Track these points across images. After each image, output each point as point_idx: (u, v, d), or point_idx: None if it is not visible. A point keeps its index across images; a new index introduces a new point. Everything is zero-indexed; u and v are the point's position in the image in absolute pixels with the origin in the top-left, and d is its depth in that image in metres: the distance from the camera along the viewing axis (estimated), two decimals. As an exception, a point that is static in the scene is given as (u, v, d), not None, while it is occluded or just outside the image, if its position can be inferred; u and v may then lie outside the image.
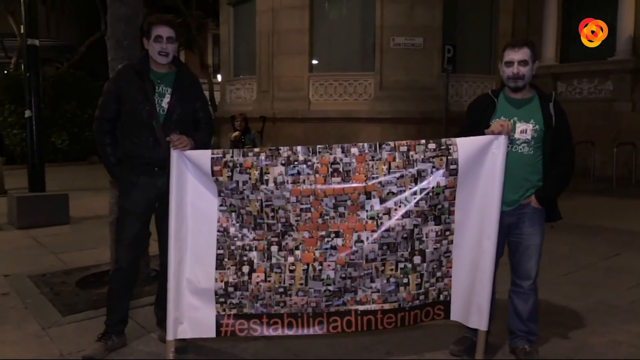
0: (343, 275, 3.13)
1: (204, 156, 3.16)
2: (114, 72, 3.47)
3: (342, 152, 3.10)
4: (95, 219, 7.73)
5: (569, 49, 13.48)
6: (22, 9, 7.71)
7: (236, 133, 8.84)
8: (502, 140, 3.02)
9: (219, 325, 3.17)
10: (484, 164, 3.09)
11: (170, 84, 3.38)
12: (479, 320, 3.17)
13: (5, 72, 17.85)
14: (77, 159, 16.23)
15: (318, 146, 3.13)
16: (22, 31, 8.13)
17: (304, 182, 3.08)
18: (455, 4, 13.59)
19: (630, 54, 12.00)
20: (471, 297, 3.18)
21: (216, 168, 3.11)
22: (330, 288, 3.13)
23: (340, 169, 3.09)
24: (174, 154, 3.15)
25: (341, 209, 3.11)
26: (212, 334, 3.18)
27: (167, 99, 3.35)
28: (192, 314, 3.18)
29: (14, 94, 14.51)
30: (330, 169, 3.09)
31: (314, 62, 13.77)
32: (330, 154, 3.10)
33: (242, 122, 8.91)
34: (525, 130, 3.12)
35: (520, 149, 3.14)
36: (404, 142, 3.11)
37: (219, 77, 20.93)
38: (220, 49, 17.01)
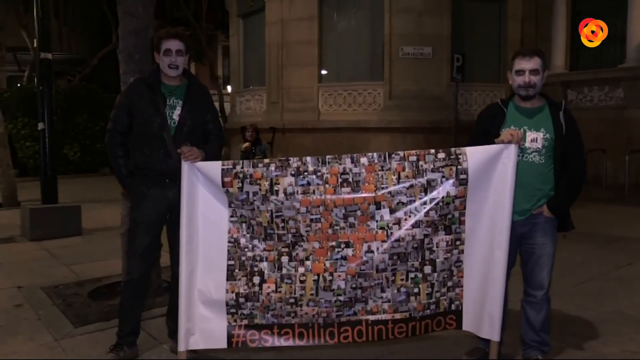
0: (354, 286, 3.13)
1: (214, 167, 3.18)
2: (126, 86, 3.51)
3: (352, 162, 3.11)
4: (106, 230, 7.79)
5: (578, 57, 13.45)
6: (35, 23, 7.83)
7: (247, 144, 8.88)
8: (512, 149, 3.02)
9: (230, 336, 3.18)
10: (494, 173, 3.08)
11: (181, 97, 3.41)
12: (490, 330, 3.15)
13: (19, 85, 18.09)
14: (88, 170, 16.39)
15: (327, 157, 3.14)
16: (35, 45, 8.25)
17: (313, 192, 3.09)
18: (464, 13, 13.62)
19: (641, 61, 11.95)
20: (483, 307, 3.17)
21: (227, 179, 3.14)
22: (341, 298, 3.13)
23: (350, 179, 3.09)
24: (185, 166, 3.18)
25: (351, 219, 3.12)
26: (223, 344, 3.19)
27: (178, 111, 3.38)
28: (204, 324, 3.19)
29: (27, 106, 14.70)
30: (339, 179, 3.10)
31: (323, 72, 13.84)
32: (340, 164, 3.11)
33: (253, 133, 8.95)
34: (535, 139, 3.11)
35: (531, 158, 3.13)
36: (414, 151, 3.12)
37: (229, 89, 21.08)
38: (230, 60, 17.14)
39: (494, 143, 3.07)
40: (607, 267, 5.60)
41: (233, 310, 3.19)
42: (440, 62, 13.02)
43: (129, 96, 3.41)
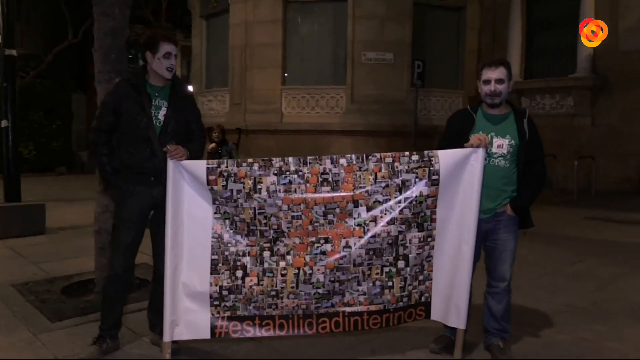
0: (332, 279, 3.31)
1: (199, 166, 3.32)
2: (112, 86, 3.59)
3: (332, 162, 3.30)
4: (71, 229, 7.75)
5: (532, 66, 14.03)
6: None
7: (213, 145, 8.95)
8: (480, 153, 3.27)
9: (213, 327, 3.32)
10: (463, 174, 3.33)
11: (166, 97, 3.53)
12: (457, 319, 3.40)
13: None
14: (44, 169, 16.04)
15: (308, 157, 3.32)
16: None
17: (295, 191, 3.27)
18: (424, 21, 14.04)
19: (590, 72, 12.59)
20: (450, 298, 3.41)
21: (211, 177, 3.28)
22: (320, 291, 3.32)
23: (330, 179, 3.28)
24: (171, 164, 3.30)
25: (330, 217, 3.31)
26: (207, 335, 3.32)
27: (163, 111, 3.49)
28: (188, 316, 3.32)
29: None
30: (320, 179, 3.28)
31: (287, 75, 14.00)
32: (320, 164, 3.30)
33: (220, 134, 9.04)
34: (501, 144, 3.38)
35: (497, 162, 3.39)
36: (389, 153, 3.34)
37: (190, 89, 20.95)
38: (193, 61, 17.09)
39: (463, 147, 3.31)
40: (560, 264, 5.98)
41: (216, 303, 3.33)
42: (401, 67, 13.39)
43: (114, 96, 3.50)
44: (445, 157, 3.32)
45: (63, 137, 17.38)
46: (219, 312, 3.33)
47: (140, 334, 3.83)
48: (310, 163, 3.30)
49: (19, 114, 15.02)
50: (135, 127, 3.43)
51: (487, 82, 3.37)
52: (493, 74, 3.36)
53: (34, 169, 15.68)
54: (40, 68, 20.35)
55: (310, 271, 3.30)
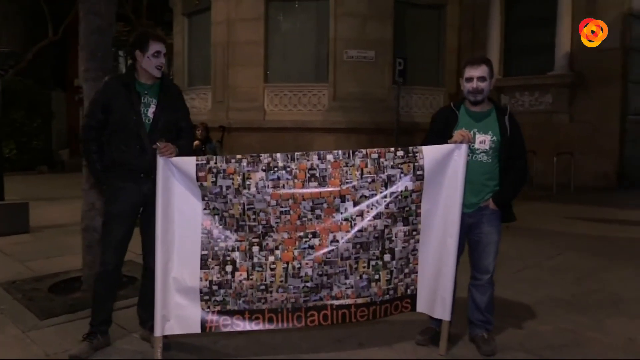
0: (320, 273, 3.39)
1: (189, 162, 3.36)
2: (102, 84, 3.61)
3: (319, 158, 3.37)
4: (55, 227, 7.71)
5: (511, 64, 14.25)
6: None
7: (197, 142, 8.96)
8: (463, 148, 3.37)
9: (204, 321, 3.37)
10: (447, 170, 3.42)
11: (155, 95, 3.56)
12: (442, 311, 3.50)
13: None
14: (25, 168, 15.86)
15: (296, 153, 3.39)
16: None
17: (283, 186, 3.34)
18: (405, 19, 14.17)
19: (568, 69, 12.83)
20: (435, 291, 3.51)
21: (201, 174, 3.32)
22: (308, 285, 3.39)
23: (317, 175, 3.36)
24: (160, 161, 3.33)
25: (318, 212, 3.38)
26: (197, 329, 3.37)
27: (152, 109, 3.53)
28: (179, 311, 3.36)
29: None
30: (307, 175, 3.35)
31: (269, 73, 14.02)
32: (308, 160, 3.37)
33: (203, 132, 9.05)
34: (484, 141, 3.48)
35: (480, 158, 3.49)
36: (375, 149, 3.42)
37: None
38: (174, 59, 17.01)
39: (447, 143, 3.41)
40: (540, 258, 6.13)
41: (207, 297, 3.38)
42: (383, 65, 13.50)
43: (104, 93, 3.52)
44: (429, 153, 3.41)
45: (44, 136, 17.20)
46: (209, 307, 3.38)
47: (129, 330, 3.86)
48: (297, 159, 3.36)
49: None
50: (125, 125, 3.46)
51: (470, 79, 3.47)
52: (475, 71, 3.46)
53: (14, 168, 15.46)
54: (20, 66, 20.06)
55: (299, 265, 3.37)
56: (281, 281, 3.38)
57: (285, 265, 3.37)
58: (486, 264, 3.58)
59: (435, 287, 3.51)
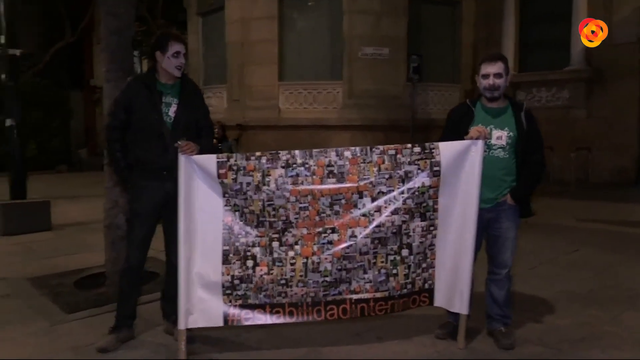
0: (339, 267, 3.45)
1: (210, 160, 3.44)
2: (125, 84, 3.71)
3: (337, 155, 3.44)
4: (76, 225, 7.86)
5: (527, 59, 14.17)
6: (1, 21, 7.79)
7: (213, 141, 9.05)
8: (479, 145, 3.41)
9: (226, 315, 3.45)
10: (464, 166, 3.47)
11: (176, 95, 3.65)
12: (460, 305, 3.55)
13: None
14: (45, 167, 16.12)
15: (314, 150, 3.46)
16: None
17: (302, 183, 3.40)
18: (420, 15, 14.16)
19: (585, 65, 12.73)
20: (453, 285, 3.56)
21: (222, 171, 3.40)
22: (327, 279, 3.45)
23: (335, 171, 3.42)
24: (182, 159, 3.41)
25: (336, 207, 3.44)
26: (220, 322, 3.45)
27: (173, 108, 3.62)
28: (202, 305, 3.45)
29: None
30: (325, 171, 3.42)
31: (284, 71, 14.10)
32: (326, 157, 3.43)
33: (220, 130, 9.16)
34: (500, 136, 3.51)
35: (497, 154, 3.53)
36: (392, 146, 3.47)
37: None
38: (189, 58, 17.15)
39: (463, 139, 3.45)
40: (557, 253, 6.14)
41: (228, 292, 3.46)
42: (398, 62, 13.51)
43: (126, 94, 3.62)
44: (446, 149, 3.46)
45: (62, 136, 17.46)
46: (231, 301, 3.46)
47: (153, 324, 3.96)
48: (316, 156, 3.43)
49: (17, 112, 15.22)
50: (147, 124, 3.55)
51: (486, 76, 3.51)
52: (492, 68, 3.50)
53: (35, 168, 15.72)
54: (38, 67, 20.38)
55: (318, 260, 3.43)
56: (301, 276, 3.45)
57: (305, 260, 3.44)
58: (504, 258, 3.61)
59: (453, 282, 3.56)
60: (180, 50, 3.56)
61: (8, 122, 7.62)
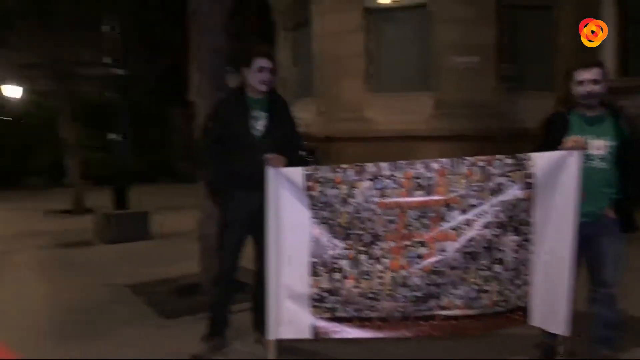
0: (428, 282, 3.38)
1: (297, 173, 3.49)
2: (217, 100, 3.87)
3: (424, 167, 3.38)
4: (174, 235, 8.25)
5: (628, 63, 13.30)
6: (108, 42, 8.39)
7: (302, 153, 9.19)
8: (576, 155, 3.22)
9: (314, 327, 3.47)
10: (559, 178, 3.29)
11: (265, 109, 3.76)
12: (558, 325, 3.34)
13: (87, 98, 18.80)
14: (147, 180, 17.05)
15: (401, 162, 3.42)
16: (106, 61, 8.80)
17: (389, 195, 3.38)
18: (512, 21, 13.68)
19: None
20: (551, 303, 3.36)
21: (309, 183, 3.45)
22: (417, 294, 3.39)
23: (423, 183, 3.36)
24: (271, 171, 3.49)
25: (425, 220, 3.38)
26: (308, 335, 3.48)
27: (262, 122, 3.73)
28: (290, 316, 3.49)
29: (93, 119, 15.50)
30: (413, 183, 3.37)
31: (372, 83, 14.10)
32: (413, 169, 3.38)
33: (307, 143, 9.28)
34: (599, 146, 3.31)
35: (595, 164, 3.33)
36: (482, 157, 3.36)
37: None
38: (279, 72, 17.62)
39: (558, 149, 3.28)
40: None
41: (316, 304, 3.48)
42: (489, 70, 13.10)
43: (218, 109, 3.78)
44: (540, 160, 3.30)
45: (164, 149, 18.47)
46: (319, 313, 3.48)
47: (244, 333, 4.06)
48: (403, 168, 3.39)
49: (127, 129, 16.26)
50: (237, 138, 3.68)
51: (582, 83, 3.33)
52: (587, 74, 3.32)
53: (137, 180, 16.69)
54: (142, 86, 21.67)
55: (407, 274, 3.38)
56: (389, 290, 3.40)
57: (393, 274, 3.40)
58: (607, 276, 3.39)
59: (551, 300, 3.37)
60: (264, 65, 3.66)
61: (114, 137, 8.16)
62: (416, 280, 3.37)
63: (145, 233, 8.05)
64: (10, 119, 17.54)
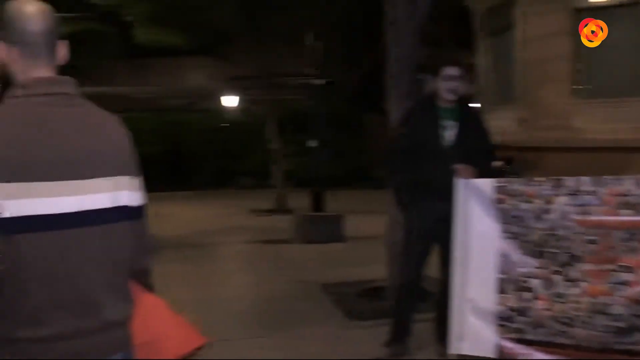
0: (634, 313, 3.01)
1: (488, 184, 3.37)
2: (406, 109, 3.91)
3: (635, 184, 3.02)
4: (367, 239, 8.45)
5: None
6: (310, 54, 8.97)
7: (500, 163, 8.81)
8: None
9: (499, 346, 3.31)
10: None
11: (455, 117, 3.69)
12: None
13: (291, 107, 20.31)
14: (343, 184, 17.77)
15: (606, 177, 3.11)
16: (307, 72, 9.40)
17: (590, 213, 3.08)
18: None
19: None
20: None
21: (500, 196, 3.30)
22: (619, 324, 3.04)
23: (632, 202, 3.01)
24: (460, 182, 3.42)
25: (633, 243, 3.02)
26: (492, 353, 3.32)
27: (452, 131, 3.67)
28: (474, 332, 3.38)
29: (296, 124, 16.65)
30: (620, 201, 3.03)
31: (579, 88, 12.97)
32: (620, 185, 3.05)
33: (504, 153, 8.87)
34: None
35: None
36: None
37: (475, 107, 20.97)
38: (478, 79, 17.10)
39: None
40: None
41: (503, 323, 3.31)
42: None
43: (409, 117, 3.82)
44: None
45: (360, 155, 19.16)
46: (505, 333, 3.30)
47: (426, 343, 4.03)
48: (608, 184, 3.07)
49: (326, 135, 17.19)
50: (426, 147, 3.67)
51: None
52: None
53: (333, 184, 17.48)
54: (341, 94, 22.70)
55: (608, 302, 3.06)
56: (586, 317, 3.11)
57: (592, 299, 3.09)
58: None
59: None
60: (453, 73, 3.59)
61: (312, 143, 8.69)
62: (619, 309, 3.02)
63: (339, 235, 8.43)
64: (228, 125, 19.67)
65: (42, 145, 1.37)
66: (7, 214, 1.30)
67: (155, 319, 1.64)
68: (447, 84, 3.62)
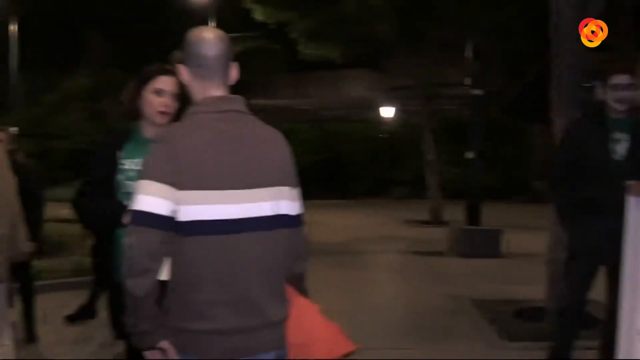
0: None
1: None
2: (572, 121, 3.68)
3: None
4: (524, 256, 8.05)
5: None
6: (469, 63, 8.77)
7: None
8: None
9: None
10: None
11: (628, 130, 3.38)
12: None
13: (448, 117, 19.97)
14: (502, 197, 17.04)
15: None
16: (465, 82, 9.20)
17: None
18: None
19: None
20: None
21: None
22: None
23: None
24: (632, 200, 3.13)
25: None
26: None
27: (624, 145, 3.37)
28: (643, 365, 3.07)
29: (455, 136, 16.35)
30: None
31: None
32: None
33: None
34: None
35: None
36: None
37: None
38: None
39: None
40: None
41: (681, 357, 2.97)
42: None
43: (574, 130, 3.57)
44: None
45: (520, 167, 18.21)
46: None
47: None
48: None
49: (483, 146, 16.62)
50: (593, 161, 3.41)
51: None
52: None
53: (492, 197, 16.80)
54: (501, 103, 21.78)
55: None
56: None
57: None
58: None
59: None
60: (622, 82, 3.28)
61: (470, 154, 8.47)
62: None
63: (495, 250, 8.10)
64: (385, 135, 19.90)
65: (217, 157, 1.55)
66: (182, 218, 1.50)
67: (308, 322, 1.74)
68: (616, 93, 3.34)
